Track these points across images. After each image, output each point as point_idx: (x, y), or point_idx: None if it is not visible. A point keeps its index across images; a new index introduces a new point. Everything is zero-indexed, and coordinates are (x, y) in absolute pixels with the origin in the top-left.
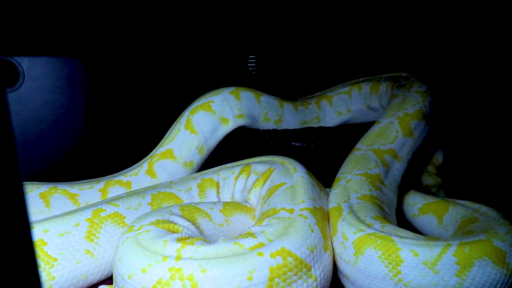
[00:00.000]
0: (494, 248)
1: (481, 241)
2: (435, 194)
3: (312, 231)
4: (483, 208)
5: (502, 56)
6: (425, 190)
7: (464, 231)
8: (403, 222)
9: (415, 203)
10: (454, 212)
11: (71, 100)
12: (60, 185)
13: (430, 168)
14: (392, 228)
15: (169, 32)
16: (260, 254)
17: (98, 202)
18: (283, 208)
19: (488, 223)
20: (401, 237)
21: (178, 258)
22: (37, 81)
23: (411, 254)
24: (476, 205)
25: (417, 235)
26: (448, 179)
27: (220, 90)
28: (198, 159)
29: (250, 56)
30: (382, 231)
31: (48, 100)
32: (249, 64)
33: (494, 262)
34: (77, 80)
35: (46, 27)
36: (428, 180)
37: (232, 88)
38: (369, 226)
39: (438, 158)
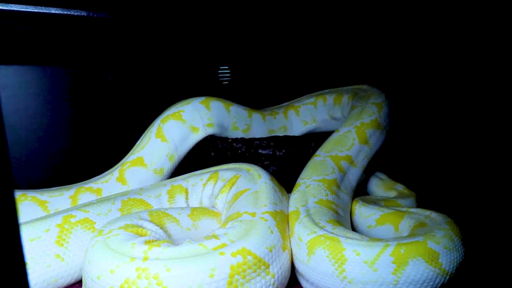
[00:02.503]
0: (428, 250)
1: (417, 242)
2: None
3: (272, 232)
4: (433, 214)
5: (456, 73)
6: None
7: (410, 234)
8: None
9: (370, 214)
10: (408, 219)
11: (43, 108)
12: (29, 192)
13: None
14: (342, 230)
15: (142, 42)
16: (222, 253)
17: (68, 208)
18: (246, 212)
19: (432, 226)
20: (348, 238)
21: (145, 259)
22: (9, 89)
23: (354, 253)
24: (427, 212)
25: (364, 236)
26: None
27: (190, 100)
28: (168, 166)
29: (221, 67)
30: (332, 232)
31: (20, 108)
32: (219, 75)
33: (427, 262)
34: (49, 89)
35: (18, 36)
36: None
37: (203, 98)
38: (321, 228)
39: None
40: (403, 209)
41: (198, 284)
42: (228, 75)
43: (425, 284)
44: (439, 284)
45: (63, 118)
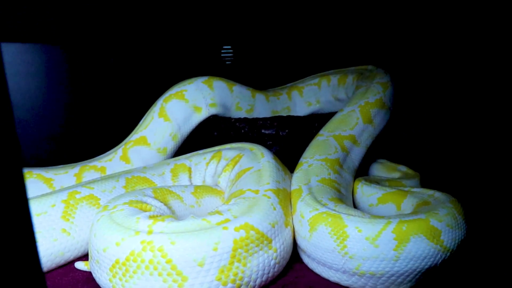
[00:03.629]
0: (430, 227)
1: (419, 219)
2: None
3: (274, 209)
4: (437, 194)
5: (462, 54)
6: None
7: (413, 212)
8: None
9: (372, 193)
10: (411, 198)
11: (45, 87)
12: (35, 170)
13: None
14: (343, 208)
15: (144, 21)
16: (225, 228)
17: (73, 185)
18: (249, 189)
19: (435, 205)
20: (349, 215)
21: (150, 232)
22: (10, 67)
23: (356, 230)
24: (431, 191)
25: (366, 214)
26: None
27: (193, 79)
28: (171, 145)
29: (225, 47)
30: (334, 210)
31: (22, 87)
32: (223, 55)
33: (429, 239)
34: (51, 67)
35: (20, 13)
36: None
37: (205, 78)
38: (323, 205)
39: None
40: (406, 189)
41: (202, 257)
42: (231, 55)
43: (425, 260)
44: (440, 260)
45: (63, 97)
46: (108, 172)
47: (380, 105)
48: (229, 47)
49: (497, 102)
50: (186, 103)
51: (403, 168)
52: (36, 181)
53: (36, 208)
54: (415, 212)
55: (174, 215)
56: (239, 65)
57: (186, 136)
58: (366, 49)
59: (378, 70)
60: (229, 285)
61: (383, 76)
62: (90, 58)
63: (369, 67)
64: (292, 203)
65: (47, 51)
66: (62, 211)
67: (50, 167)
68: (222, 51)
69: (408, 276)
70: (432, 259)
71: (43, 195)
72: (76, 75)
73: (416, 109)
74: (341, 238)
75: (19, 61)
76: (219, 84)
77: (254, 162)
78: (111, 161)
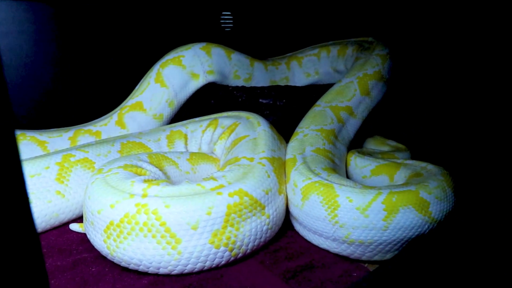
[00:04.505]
0: (419, 199)
1: (409, 191)
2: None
3: (269, 176)
4: (429, 166)
5: (462, 28)
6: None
7: (404, 184)
8: None
9: (365, 165)
10: (404, 170)
11: (39, 46)
12: (28, 132)
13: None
14: (336, 178)
15: None
16: (219, 193)
17: (67, 148)
18: (244, 157)
19: (426, 177)
20: (341, 185)
21: (144, 195)
22: (1, 26)
23: (347, 200)
24: (424, 164)
25: (358, 184)
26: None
27: (191, 45)
28: (167, 112)
29: (224, 13)
30: (326, 179)
31: (15, 46)
32: (222, 21)
33: (417, 210)
34: (45, 26)
35: None
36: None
37: (203, 44)
38: (316, 175)
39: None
40: (399, 161)
41: (196, 221)
42: (230, 21)
43: (413, 230)
44: (427, 230)
45: (56, 58)
46: (103, 137)
47: (378, 77)
48: (229, 13)
49: (496, 86)
50: (183, 69)
51: (392, 143)
52: (30, 144)
53: (30, 170)
54: (406, 183)
55: (169, 181)
56: (238, 33)
57: (182, 103)
58: (367, 21)
59: (378, 43)
60: (222, 248)
61: (383, 48)
62: (85, 18)
63: (369, 39)
64: (286, 172)
65: (40, 9)
66: (56, 173)
67: (44, 130)
68: (222, 17)
69: (395, 245)
70: (419, 230)
71: (37, 157)
72: (70, 36)
73: (415, 85)
74: (332, 207)
75: (10, 19)
76: (218, 51)
77: (250, 130)
78: (106, 126)
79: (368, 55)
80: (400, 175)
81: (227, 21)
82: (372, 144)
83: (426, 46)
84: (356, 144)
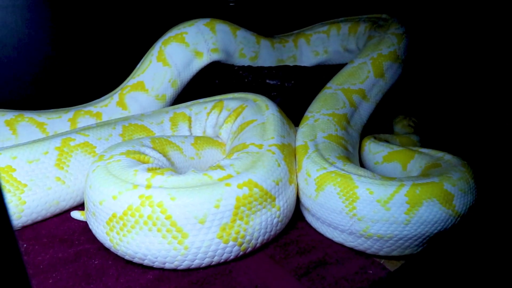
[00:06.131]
0: (443, 191)
1: (432, 183)
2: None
3: (279, 165)
4: (447, 156)
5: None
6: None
7: (423, 175)
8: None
9: (378, 151)
10: (419, 159)
11: (35, 20)
12: (26, 113)
13: (405, 122)
14: (352, 167)
15: None
16: (227, 184)
17: (67, 131)
18: (252, 144)
19: (447, 168)
20: (360, 175)
21: (148, 186)
22: None
23: (367, 192)
24: (440, 153)
25: (376, 174)
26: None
27: (194, 21)
28: (170, 92)
29: None
30: (343, 169)
31: (8, 21)
32: None
33: (442, 203)
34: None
35: None
36: (398, 129)
37: (207, 20)
38: (331, 164)
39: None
40: (414, 148)
41: (203, 214)
42: None
43: (436, 224)
44: (450, 225)
45: (53, 34)
46: (104, 118)
47: (394, 58)
48: None
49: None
50: (186, 47)
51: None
52: (28, 125)
53: (28, 155)
54: (426, 174)
55: (173, 167)
56: (242, 7)
57: (186, 83)
58: None
59: (393, 20)
60: (231, 243)
61: (398, 27)
62: None
63: (383, 15)
64: (297, 159)
65: None
66: (56, 158)
67: (43, 110)
68: None
69: (416, 240)
70: (442, 224)
71: (35, 141)
72: (69, 10)
73: (432, 67)
74: (351, 199)
75: None
76: (222, 28)
77: (258, 114)
78: (107, 107)
79: (382, 33)
80: (415, 164)
81: None
82: (398, 126)
83: (444, 25)
84: (369, 130)
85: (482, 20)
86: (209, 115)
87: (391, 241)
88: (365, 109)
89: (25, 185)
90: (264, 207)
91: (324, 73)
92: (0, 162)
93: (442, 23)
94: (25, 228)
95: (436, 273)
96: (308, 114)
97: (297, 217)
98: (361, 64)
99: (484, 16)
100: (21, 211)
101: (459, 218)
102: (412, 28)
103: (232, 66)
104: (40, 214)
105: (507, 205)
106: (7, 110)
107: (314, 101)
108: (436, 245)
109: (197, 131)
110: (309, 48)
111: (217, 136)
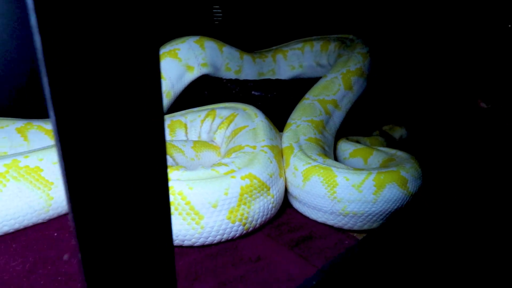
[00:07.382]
0: (400, 177)
1: (392, 171)
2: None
3: (271, 162)
4: (399, 153)
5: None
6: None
7: (383, 166)
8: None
9: (346, 149)
10: (377, 155)
11: (23, 26)
12: (34, 122)
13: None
14: (331, 162)
15: None
16: (233, 177)
17: None
18: (247, 145)
19: (401, 161)
20: (338, 167)
21: (169, 179)
22: None
23: (344, 179)
24: (393, 151)
25: (349, 167)
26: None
27: (185, 38)
28: (165, 103)
29: (214, 6)
30: (324, 163)
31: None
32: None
33: (400, 186)
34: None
35: None
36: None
37: (197, 37)
38: (314, 160)
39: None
40: (373, 147)
41: (216, 200)
42: (219, 15)
43: (396, 202)
44: (405, 202)
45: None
46: None
47: (360, 73)
48: (218, 6)
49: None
50: (179, 62)
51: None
52: (37, 132)
53: (53, 157)
54: (386, 166)
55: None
56: (227, 26)
57: (178, 94)
58: (349, 18)
59: (358, 41)
60: (237, 223)
61: (363, 47)
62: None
63: (350, 36)
64: (285, 158)
65: None
66: None
67: (48, 119)
68: (213, 10)
69: (381, 215)
70: (400, 201)
71: (54, 145)
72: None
73: (392, 80)
74: (332, 185)
75: None
76: (210, 44)
77: (249, 121)
78: None
79: (350, 52)
80: (374, 159)
81: (216, 14)
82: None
83: (404, 44)
84: (341, 133)
85: (438, 39)
86: (203, 122)
87: (362, 217)
88: (338, 116)
89: (52, 183)
90: (261, 195)
91: (301, 85)
92: (30, 164)
93: (402, 42)
94: (52, 220)
95: (393, 239)
96: (291, 121)
97: (286, 205)
98: (333, 79)
99: (440, 36)
100: (49, 206)
101: (411, 197)
102: (374, 47)
103: (221, 79)
104: (65, 208)
105: (448, 187)
106: (16, 118)
107: (294, 110)
108: (393, 218)
109: (193, 136)
110: (286, 62)
111: (212, 141)
